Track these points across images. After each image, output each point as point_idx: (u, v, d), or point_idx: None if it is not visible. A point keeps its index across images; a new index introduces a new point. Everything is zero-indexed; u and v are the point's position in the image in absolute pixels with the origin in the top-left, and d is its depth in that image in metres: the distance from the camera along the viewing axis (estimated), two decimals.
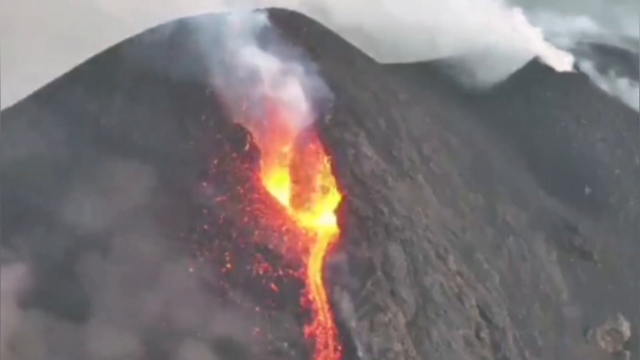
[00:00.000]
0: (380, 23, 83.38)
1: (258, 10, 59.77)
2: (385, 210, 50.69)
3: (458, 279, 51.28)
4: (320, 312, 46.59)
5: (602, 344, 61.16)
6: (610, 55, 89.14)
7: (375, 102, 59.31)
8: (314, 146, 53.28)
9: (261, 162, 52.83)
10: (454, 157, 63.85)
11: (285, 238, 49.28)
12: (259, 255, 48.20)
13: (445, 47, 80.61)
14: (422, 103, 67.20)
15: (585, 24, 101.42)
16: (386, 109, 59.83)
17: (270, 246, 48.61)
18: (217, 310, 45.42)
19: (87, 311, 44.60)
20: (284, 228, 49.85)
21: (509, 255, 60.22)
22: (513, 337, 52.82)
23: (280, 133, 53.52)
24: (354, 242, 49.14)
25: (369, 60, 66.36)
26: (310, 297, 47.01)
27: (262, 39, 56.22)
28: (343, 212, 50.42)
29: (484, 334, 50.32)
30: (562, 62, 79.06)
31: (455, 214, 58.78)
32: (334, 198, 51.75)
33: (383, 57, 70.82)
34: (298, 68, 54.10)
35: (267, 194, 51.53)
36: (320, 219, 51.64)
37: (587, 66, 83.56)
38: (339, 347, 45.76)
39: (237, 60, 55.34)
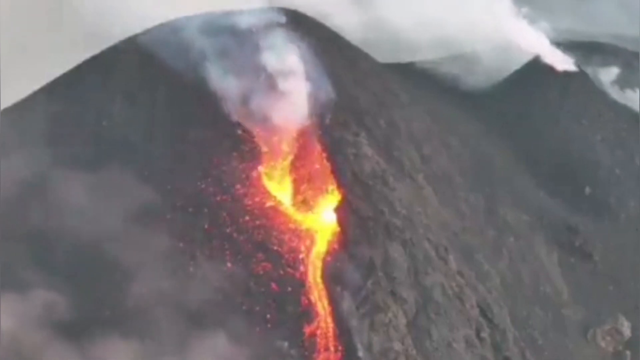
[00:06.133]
0: (382, 23, 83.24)
1: (258, 10, 59.61)
2: (386, 210, 50.66)
3: (458, 279, 51.25)
4: (321, 312, 46.58)
5: (603, 344, 61.19)
6: (610, 55, 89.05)
7: (375, 102, 59.29)
8: (314, 146, 53.26)
9: (262, 161, 52.82)
10: (454, 157, 63.83)
11: (286, 237, 49.26)
12: (259, 254, 48.21)
13: (445, 47, 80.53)
14: (422, 103, 67.16)
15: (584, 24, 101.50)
16: (387, 109, 59.82)
17: (271, 246, 48.63)
18: (217, 309, 45.48)
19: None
20: (284, 227, 49.83)
21: (510, 256, 60.24)
22: (513, 337, 52.82)
23: (280, 132, 53.48)
24: (354, 241, 49.12)
25: (370, 60, 66.30)
26: (311, 296, 47.02)
27: (263, 39, 56.11)
28: (343, 212, 50.40)
29: (485, 334, 50.30)
30: (562, 61, 78.93)
31: (456, 214, 58.77)
32: (335, 198, 51.71)
33: (384, 56, 70.72)
34: (299, 67, 54.05)
35: (267, 193, 51.50)
36: (321, 219, 51.55)
37: (587, 66, 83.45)
38: (340, 347, 45.75)
39: (237, 60, 55.28)
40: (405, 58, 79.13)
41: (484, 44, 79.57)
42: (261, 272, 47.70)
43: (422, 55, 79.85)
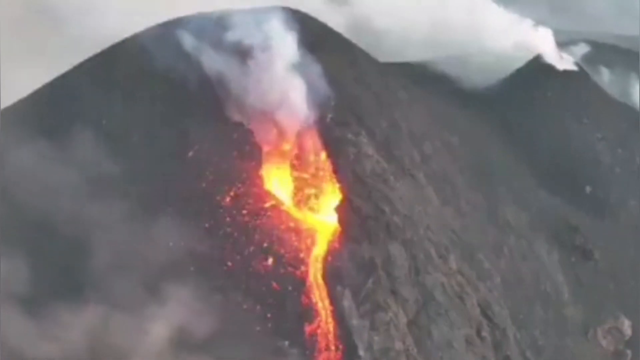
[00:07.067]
0: (382, 21, 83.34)
1: (257, 9, 59.56)
2: (386, 209, 50.61)
3: (459, 278, 51.23)
4: (322, 311, 46.55)
5: (603, 343, 61.32)
6: (610, 54, 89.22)
7: (376, 101, 59.24)
8: (315, 145, 53.25)
9: (262, 160, 52.79)
10: (454, 156, 63.85)
11: (287, 237, 49.21)
12: (260, 253, 48.19)
13: (446, 46, 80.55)
14: (423, 102, 67.14)
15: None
16: (387, 108, 59.78)
17: (272, 245, 48.58)
18: (218, 308, 45.50)
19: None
20: (285, 227, 49.76)
21: (510, 255, 60.28)
22: (514, 336, 52.85)
23: (281, 132, 53.47)
24: (355, 241, 49.06)
25: (370, 59, 66.24)
26: (312, 296, 46.98)
27: (262, 38, 56.06)
28: (344, 211, 50.34)
29: (485, 333, 50.28)
30: (562, 60, 79.01)
31: (456, 213, 58.77)
32: (335, 197, 51.68)
33: (384, 55, 70.66)
34: (299, 66, 54.02)
35: (268, 192, 51.47)
36: (322, 218, 51.56)
37: (587, 65, 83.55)
38: (340, 346, 45.72)
39: (237, 59, 55.23)
40: (405, 58, 79.14)
41: (485, 43, 79.60)
42: (262, 272, 47.68)
43: (423, 55, 79.79)
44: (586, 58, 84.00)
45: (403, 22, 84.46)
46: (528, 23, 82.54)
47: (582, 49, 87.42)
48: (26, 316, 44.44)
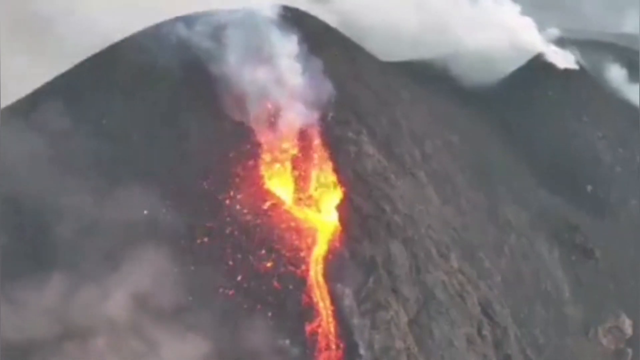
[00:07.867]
0: (366, 19, 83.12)
1: (257, 7, 59.54)
2: (387, 208, 50.65)
3: (460, 276, 51.28)
4: (322, 310, 46.54)
5: (604, 342, 61.30)
6: (611, 53, 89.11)
7: (377, 100, 59.27)
8: (315, 143, 53.23)
9: (263, 159, 52.75)
10: (455, 155, 63.84)
11: (287, 236, 49.19)
12: (260, 252, 48.16)
13: (446, 45, 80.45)
14: (423, 101, 67.14)
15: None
16: (388, 107, 59.81)
17: (272, 244, 48.56)
18: (219, 308, 45.51)
19: None
20: (285, 226, 49.74)
21: (511, 254, 60.27)
22: (515, 335, 52.87)
23: (282, 130, 53.39)
24: (355, 239, 49.11)
25: (371, 57, 66.29)
26: (312, 295, 46.97)
27: (263, 36, 56.08)
28: (345, 210, 50.38)
29: (486, 331, 50.34)
30: (563, 59, 79.00)
31: (457, 211, 58.77)
32: (336, 196, 51.67)
33: (384, 54, 70.59)
34: (300, 65, 54.03)
35: (268, 191, 51.46)
36: (322, 217, 51.52)
37: (588, 64, 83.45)
38: (341, 345, 45.72)
39: (238, 58, 55.23)
40: (404, 56, 78.97)
41: (486, 42, 79.53)
42: (262, 271, 47.68)
43: (423, 54, 79.64)
44: (558, 43, 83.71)
45: (389, 18, 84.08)
46: (516, 16, 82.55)
47: (553, 34, 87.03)
48: None
